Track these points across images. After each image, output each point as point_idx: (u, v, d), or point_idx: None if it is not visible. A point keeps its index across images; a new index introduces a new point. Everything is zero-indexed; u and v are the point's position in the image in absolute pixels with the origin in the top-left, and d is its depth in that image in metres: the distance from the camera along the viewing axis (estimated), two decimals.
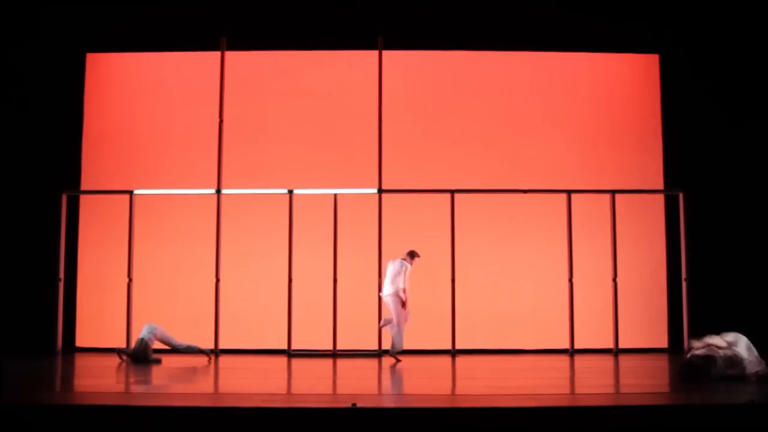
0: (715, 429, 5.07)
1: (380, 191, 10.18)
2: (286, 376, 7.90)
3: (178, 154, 10.61)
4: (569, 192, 10.18)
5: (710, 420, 5.10)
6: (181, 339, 9.31)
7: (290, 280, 9.96)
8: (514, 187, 10.32)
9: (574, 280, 10.11)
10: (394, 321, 9.17)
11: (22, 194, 10.03)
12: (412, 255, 9.33)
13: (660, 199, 10.54)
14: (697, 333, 9.85)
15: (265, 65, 10.87)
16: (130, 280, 10.09)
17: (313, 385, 7.26)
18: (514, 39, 10.65)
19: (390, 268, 9.32)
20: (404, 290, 9.14)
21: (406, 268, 9.23)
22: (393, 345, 9.18)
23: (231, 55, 10.56)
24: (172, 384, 7.22)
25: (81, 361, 9.21)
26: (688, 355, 6.89)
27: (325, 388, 7.04)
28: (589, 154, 10.66)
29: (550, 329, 10.22)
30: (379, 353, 9.77)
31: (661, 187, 10.56)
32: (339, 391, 6.80)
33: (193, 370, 8.26)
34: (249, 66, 10.79)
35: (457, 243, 10.08)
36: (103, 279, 10.26)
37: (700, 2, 10.36)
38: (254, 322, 10.19)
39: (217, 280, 10.00)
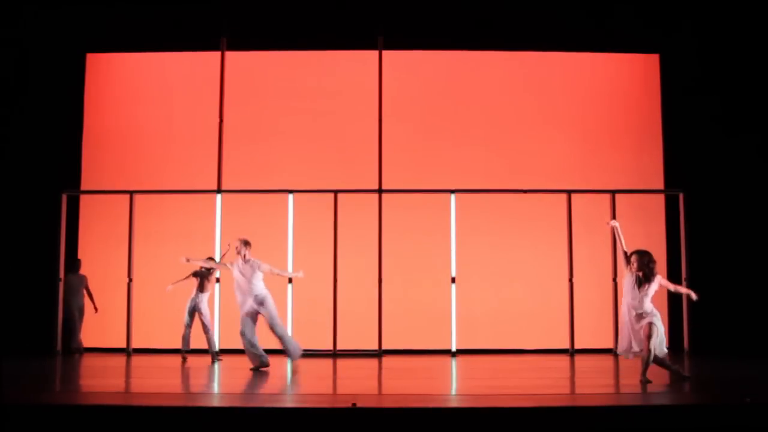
0: (715, 429, 5.07)
1: (380, 191, 10.18)
2: (286, 376, 7.90)
3: (178, 154, 10.61)
4: (569, 192, 10.18)
5: (710, 420, 5.10)
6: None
7: (290, 280, 9.97)
8: (514, 187, 10.32)
9: (574, 280, 10.11)
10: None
11: (22, 194, 10.03)
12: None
13: (660, 199, 10.54)
14: (698, 333, 9.95)
15: (265, 65, 10.87)
16: (130, 280, 10.10)
17: (313, 385, 7.26)
18: (514, 39, 10.65)
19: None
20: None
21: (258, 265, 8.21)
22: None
23: (231, 55, 10.56)
24: (172, 384, 7.22)
25: (81, 361, 9.21)
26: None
27: (325, 388, 7.04)
28: (589, 154, 10.66)
29: (550, 329, 10.22)
30: (379, 353, 9.77)
31: (661, 187, 10.56)
32: (339, 391, 6.81)
33: (194, 371, 8.25)
34: (249, 66, 10.79)
35: (457, 243, 10.09)
36: (103, 279, 10.25)
37: (700, 2, 10.36)
38: None
39: (217, 280, 9.99)
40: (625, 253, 6.89)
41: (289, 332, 9.88)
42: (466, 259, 10.18)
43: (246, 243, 8.25)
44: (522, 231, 10.50)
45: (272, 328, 8.16)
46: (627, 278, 6.83)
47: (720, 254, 10.00)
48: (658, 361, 6.70)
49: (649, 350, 6.62)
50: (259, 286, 8.15)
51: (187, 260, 8.70)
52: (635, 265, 6.75)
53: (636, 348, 6.73)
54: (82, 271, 10.20)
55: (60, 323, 9.95)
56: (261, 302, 8.11)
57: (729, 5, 10.28)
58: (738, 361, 8.70)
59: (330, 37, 10.51)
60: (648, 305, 6.71)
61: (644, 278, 6.73)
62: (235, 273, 8.20)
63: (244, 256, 8.19)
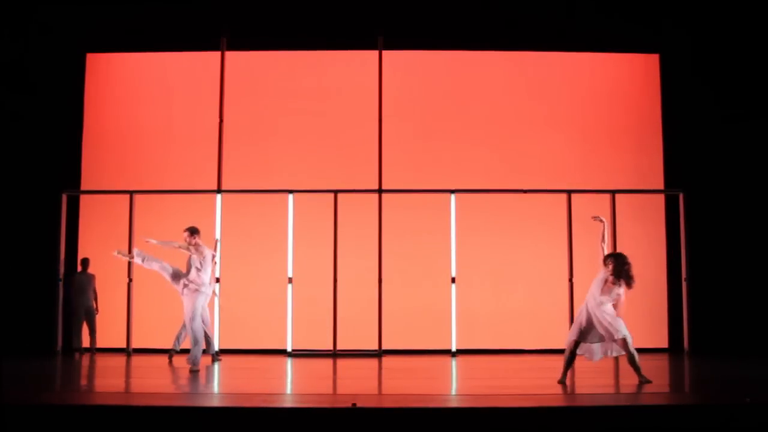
0: (715, 429, 5.07)
1: (380, 191, 10.18)
2: (286, 376, 7.90)
3: (178, 154, 10.61)
4: (569, 192, 10.18)
5: (710, 420, 5.10)
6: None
7: (290, 280, 9.97)
8: (514, 187, 10.31)
9: (574, 280, 10.11)
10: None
11: (22, 194, 10.03)
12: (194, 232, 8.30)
13: (660, 199, 10.54)
14: (698, 333, 9.94)
15: (265, 65, 10.87)
16: (130, 280, 10.09)
17: (313, 385, 7.27)
18: (514, 39, 10.65)
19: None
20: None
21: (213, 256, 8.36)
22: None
23: (231, 55, 10.56)
24: (172, 384, 7.22)
25: (81, 361, 9.21)
26: None
27: (325, 388, 7.05)
28: (589, 154, 10.66)
29: (550, 329, 10.21)
30: (379, 353, 9.77)
31: (661, 187, 10.56)
32: (339, 391, 6.81)
33: (194, 371, 8.24)
34: (249, 66, 10.79)
35: (457, 243, 10.09)
36: (103, 279, 10.25)
37: (700, 2, 10.36)
38: (254, 322, 10.19)
39: (217, 280, 9.98)
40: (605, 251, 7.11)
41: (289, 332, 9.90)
42: (466, 259, 10.18)
43: (193, 231, 8.26)
44: (522, 231, 10.49)
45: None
46: (600, 274, 7.06)
47: (720, 254, 10.00)
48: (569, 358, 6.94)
49: (631, 354, 6.82)
50: (195, 275, 8.10)
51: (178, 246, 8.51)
52: (611, 266, 6.99)
53: (598, 351, 7.02)
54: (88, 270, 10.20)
55: (60, 323, 9.95)
56: (191, 291, 8.10)
57: (730, 6, 10.28)
58: (738, 361, 8.70)
59: (330, 37, 10.51)
60: (608, 304, 6.98)
61: (615, 280, 6.97)
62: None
63: (196, 244, 8.21)
